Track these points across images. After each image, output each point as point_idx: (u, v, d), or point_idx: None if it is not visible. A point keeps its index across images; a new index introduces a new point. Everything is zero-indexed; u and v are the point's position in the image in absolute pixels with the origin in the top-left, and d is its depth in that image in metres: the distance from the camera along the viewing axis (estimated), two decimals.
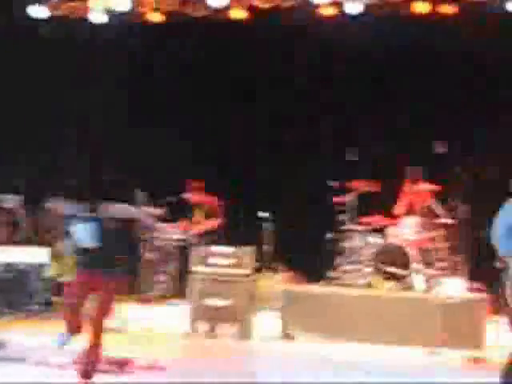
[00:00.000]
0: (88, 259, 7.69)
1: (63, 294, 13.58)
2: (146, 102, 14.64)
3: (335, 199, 12.77)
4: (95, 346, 7.46)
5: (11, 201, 13.99)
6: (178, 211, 13.82)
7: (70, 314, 7.84)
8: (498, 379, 8.29)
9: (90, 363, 7.48)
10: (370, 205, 12.52)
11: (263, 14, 13.27)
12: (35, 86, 13.90)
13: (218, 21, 13.55)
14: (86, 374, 7.46)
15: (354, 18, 13.06)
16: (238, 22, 13.60)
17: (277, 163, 14.08)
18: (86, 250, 7.68)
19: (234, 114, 14.41)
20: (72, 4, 13.76)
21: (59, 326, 11.71)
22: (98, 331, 7.48)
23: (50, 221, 14.34)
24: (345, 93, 13.82)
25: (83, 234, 7.57)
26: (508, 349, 9.78)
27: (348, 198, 12.74)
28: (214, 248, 12.26)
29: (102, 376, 7.94)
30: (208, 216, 13.55)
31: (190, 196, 13.60)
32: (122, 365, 8.42)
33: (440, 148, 12.62)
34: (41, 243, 13.42)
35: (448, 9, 12.63)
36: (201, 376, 8.72)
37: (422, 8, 12.65)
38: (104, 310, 7.60)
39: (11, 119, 13.98)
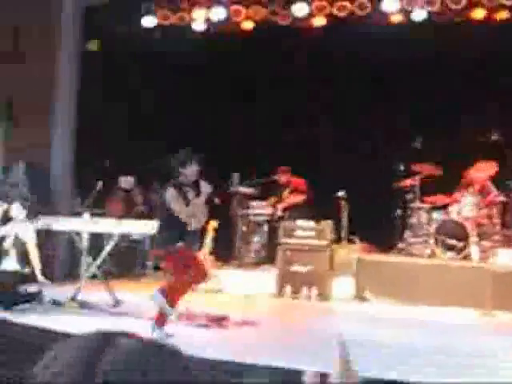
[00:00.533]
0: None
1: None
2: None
3: (403, 182, 12.80)
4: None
5: (127, 182, 14.20)
6: (268, 190, 13.91)
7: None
8: None
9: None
10: (433, 186, 12.36)
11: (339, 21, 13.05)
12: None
13: (299, 28, 13.43)
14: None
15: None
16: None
17: (353, 151, 13.90)
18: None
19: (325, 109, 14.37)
20: (179, 14, 13.77)
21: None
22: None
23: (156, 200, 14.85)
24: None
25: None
26: None
27: (413, 181, 12.68)
28: (299, 222, 12.32)
29: (203, 329, 8.30)
30: (294, 194, 13.55)
31: (280, 177, 13.69)
32: (219, 320, 8.60)
33: (495, 135, 12.69)
34: (151, 217, 13.85)
35: (503, 15, 12.34)
36: (286, 331, 8.93)
37: (479, 14, 12.37)
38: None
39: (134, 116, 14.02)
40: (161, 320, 7.74)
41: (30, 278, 10.41)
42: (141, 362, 1.32)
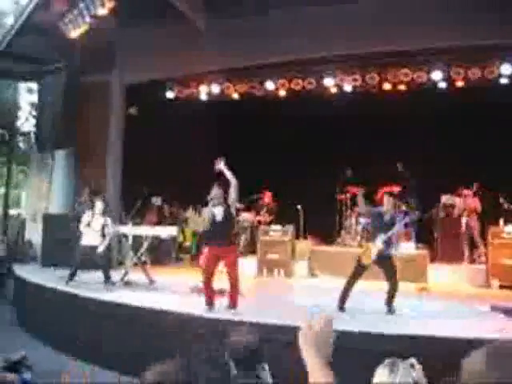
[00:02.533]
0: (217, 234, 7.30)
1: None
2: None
3: (339, 197, 12.88)
4: (235, 290, 7.32)
5: (157, 200, 14.00)
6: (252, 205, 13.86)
7: (207, 289, 7.35)
8: (437, 300, 8.31)
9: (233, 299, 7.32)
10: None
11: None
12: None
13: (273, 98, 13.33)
14: (234, 304, 7.30)
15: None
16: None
17: (308, 176, 13.71)
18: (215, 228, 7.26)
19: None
20: (190, 90, 13.88)
21: (184, 272, 12.07)
22: (235, 282, 7.29)
23: (179, 212, 14.80)
24: None
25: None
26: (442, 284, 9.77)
27: (345, 197, 12.71)
28: (271, 226, 12.34)
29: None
30: (269, 211, 13.48)
31: (263, 197, 13.60)
32: (221, 292, 8.33)
33: (399, 167, 12.53)
34: (174, 224, 13.80)
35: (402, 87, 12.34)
36: (263, 299, 8.94)
37: (387, 87, 12.31)
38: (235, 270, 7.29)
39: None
40: None
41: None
42: None
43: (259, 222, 13.27)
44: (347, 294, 7.55)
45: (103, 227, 9.57)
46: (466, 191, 11.75)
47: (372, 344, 5.88)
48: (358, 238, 12.16)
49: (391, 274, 7.50)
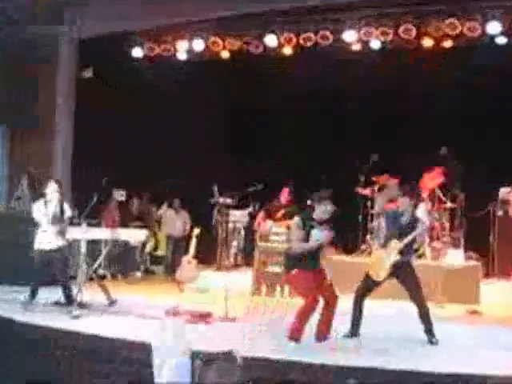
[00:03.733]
0: (316, 260, 7.46)
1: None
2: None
3: (363, 191, 12.87)
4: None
5: (120, 194, 13.83)
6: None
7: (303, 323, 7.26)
8: (492, 329, 8.46)
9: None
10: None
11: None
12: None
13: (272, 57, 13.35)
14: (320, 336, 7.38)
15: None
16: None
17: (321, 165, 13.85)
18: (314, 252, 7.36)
19: None
20: (163, 46, 13.78)
21: (156, 289, 12.02)
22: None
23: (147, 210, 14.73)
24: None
25: None
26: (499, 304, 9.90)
27: (372, 191, 12.73)
28: (272, 228, 12.11)
29: (189, 325, 8.20)
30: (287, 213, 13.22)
31: (282, 196, 12.94)
32: (204, 317, 8.43)
33: (444, 151, 12.69)
34: (142, 226, 13.73)
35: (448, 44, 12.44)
36: (263, 325, 8.66)
37: (428, 43, 12.41)
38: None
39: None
40: None
41: None
42: None
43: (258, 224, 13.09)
44: (357, 316, 7.80)
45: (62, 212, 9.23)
46: None
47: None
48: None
49: (415, 288, 7.63)
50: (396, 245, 7.65)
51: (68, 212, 9.33)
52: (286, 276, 7.78)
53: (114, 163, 12.87)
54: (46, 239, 9.11)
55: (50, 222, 9.05)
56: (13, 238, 10.29)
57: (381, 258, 7.77)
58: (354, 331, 7.78)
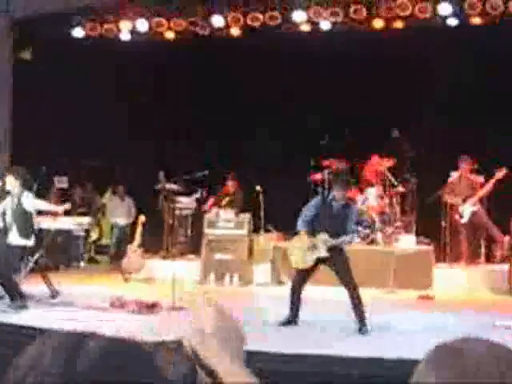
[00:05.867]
0: None
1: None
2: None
3: (312, 176, 12.84)
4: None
5: (62, 181, 13.83)
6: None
7: None
8: (444, 313, 8.54)
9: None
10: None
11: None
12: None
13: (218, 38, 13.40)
14: None
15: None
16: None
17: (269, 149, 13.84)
18: None
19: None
20: (105, 26, 13.66)
21: (101, 279, 11.94)
22: None
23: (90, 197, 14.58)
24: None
25: None
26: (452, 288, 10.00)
27: (323, 175, 12.69)
28: (221, 214, 12.23)
29: (135, 316, 8.16)
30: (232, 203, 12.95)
31: (228, 183, 13.15)
32: (151, 307, 8.46)
33: (395, 133, 12.79)
34: (86, 214, 13.64)
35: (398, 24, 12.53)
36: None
37: (378, 24, 12.52)
38: None
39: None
40: None
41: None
42: (112, 361, 1.28)
43: (204, 211, 13.05)
44: (296, 303, 7.91)
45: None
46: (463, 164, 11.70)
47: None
48: None
49: (345, 272, 7.72)
50: (324, 238, 7.67)
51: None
52: None
53: (55, 150, 12.69)
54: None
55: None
56: None
57: (304, 246, 7.79)
58: (292, 318, 7.91)
